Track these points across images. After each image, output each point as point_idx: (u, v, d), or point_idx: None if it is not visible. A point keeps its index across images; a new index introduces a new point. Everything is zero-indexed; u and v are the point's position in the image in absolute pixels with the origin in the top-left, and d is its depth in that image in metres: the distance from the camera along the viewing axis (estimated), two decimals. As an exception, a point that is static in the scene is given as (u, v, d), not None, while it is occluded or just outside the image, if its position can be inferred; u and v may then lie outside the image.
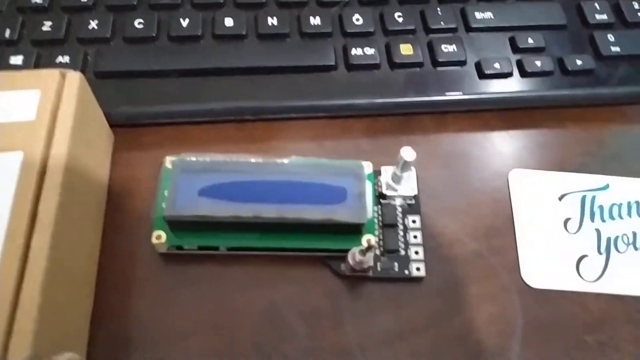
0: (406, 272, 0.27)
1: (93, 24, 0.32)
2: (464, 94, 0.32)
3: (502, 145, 0.32)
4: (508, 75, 0.32)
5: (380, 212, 0.28)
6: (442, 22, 0.33)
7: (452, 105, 0.32)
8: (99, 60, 0.31)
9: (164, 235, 0.26)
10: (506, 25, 0.34)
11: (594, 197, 0.30)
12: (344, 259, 0.26)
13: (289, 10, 0.33)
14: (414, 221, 0.28)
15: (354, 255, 0.25)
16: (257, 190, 0.26)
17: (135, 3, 0.33)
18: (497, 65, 0.32)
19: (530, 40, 0.33)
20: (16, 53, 0.31)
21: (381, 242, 0.27)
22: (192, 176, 0.26)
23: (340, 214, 0.25)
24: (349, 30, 0.33)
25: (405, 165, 0.27)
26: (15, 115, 0.24)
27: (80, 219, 0.25)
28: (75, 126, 0.24)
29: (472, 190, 0.30)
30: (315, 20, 0.33)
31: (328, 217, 0.25)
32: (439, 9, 0.34)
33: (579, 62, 0.32)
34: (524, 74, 0.32)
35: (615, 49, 0.33)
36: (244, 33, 0.32)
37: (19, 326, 0.20)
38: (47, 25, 0.32)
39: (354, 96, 0.31)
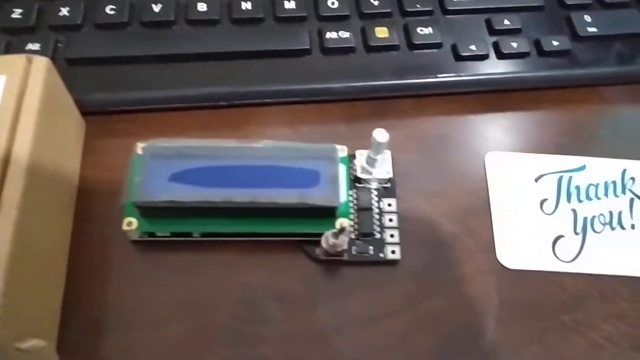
0: (381, 255, 0.27)
1: (64, 11, 0.32)
2: (440, 77, 0.31)
3: (479, 127, 0.31)
4: (484, 57, 0.32)
5: (355, 196, 0.28)
6: (418, 5, 0.33)
7: (429, 88, 0.32)
8: (70, 47, 0.31)
9: (135, 222, 0.25)
10: (482, 7, 0.33)
11: (570, 178, 0.30)
12: (319, 243, 0.26)
13: (263, -6, 0.33)
14: (389, 204, 0.28)
15: (327, 238, 0.25)
16: (230, 174, 0.25)
17: (106, -11, 0.32)
18: (473, 47, 0.32)
19: (506, 22, 0.33)
20: (-15, 40, 0.30)
21: (356, 226, 0.27)
22: (163, 162, 0.25)
23: (314, 197, 0.25)
24: (324, 14, 0.32)
25: (379, 147, 0.27)
26: (-20, 100, 0.23)
27: (48, 206, 0.25)
28: (42, 112, 0.24)
29: (448, 172, 0.30)
30: (289, 4, 0.32)
31: (301, 201, 0.25)
32: (415, -9, 0.33)
33: (555, 43, 0.32)
34: (500, 55, 0.32)
35: (592, 29, 0.33)
36: (217, 18, 0.32)
37: (-19, 313, 0.19)
38: (17, 13, 0.31)
39: (329, 80, 0.31)
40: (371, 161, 0.27)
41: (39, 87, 0.24)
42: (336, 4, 0.33)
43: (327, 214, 0.26)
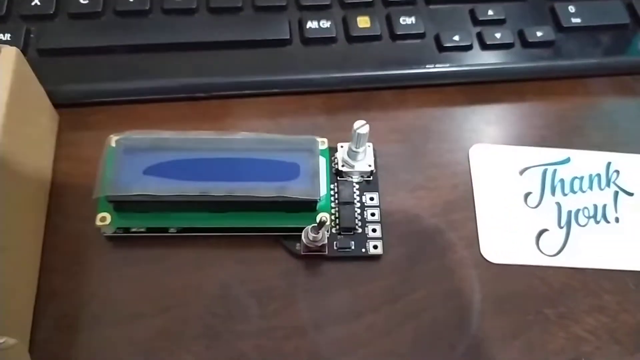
0: (363, 250, 0.26)
1: (36, 0, 0.31)
2: (423, 68, 0.31)
3: (463, 119, 0.31)
4: (468, 47, 0.31)
5: (336, 190, 0.27)
6: (401, -6, 0.32)
7: (411, 79, 0.31)
8: (42, 38, 0.30)
9: (108, 217, 0.25)
10: (467, -3, 0.33)
11: (555, 171, 0.29)
12: (299, 238, 0.25)
13: (242, -17, 0.32)
14: (371, 198, 0.27)
15: (307, 233, 0.25)
16: (206, 167, 0.25)
17: (79, -23, 0.31)
18: (456, 37, 0.31)
19: (490, 12, 0.32)
20: (-46, 30, 0.29)
21: (337, 220, 0.26)
22: (137, 155, 0.25)
23: (293, 190, 0.24)
24: (304, 3, 0.32)
25: (360, 140, 0.26)
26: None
27: (20, 201, 0.24)
28: (11, 103, 0.23)
29: (431, 165, 0.29)
30: (269, -7, 0.32)
31: (280, 194, 0.24)
32: (397, -20, 0.33)
33: (539, 34, 0.32)
34: (484, 46, 0.31)
35: (576, 20, 0.33)
36: (194, 7, 0.31)
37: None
38: (-14, 2, 0.30)
39: (310, 71, 0.30)
40: (353, 154, 0.27)
41: (7, 79, 0.23)
42: (317, -7, 0.32)
43: (307, 207, 0.25)
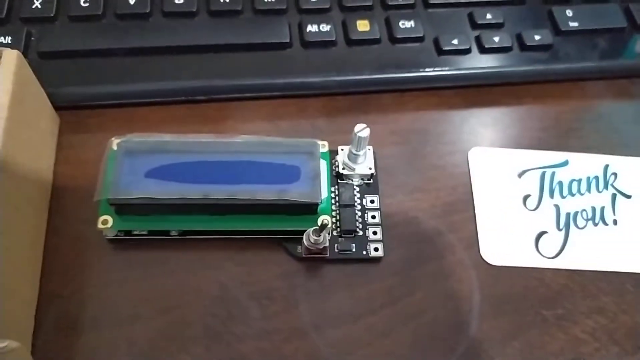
0: (364, 252, 0.26)
1: (37, 3, 0.31)
2: (422, 71, 0.31)
3: (461, 122, 0.31)
4: (467, 51, 0.32)
5: (337, 193, 0.27)
6: (399, -2, 0.33)
7: (411, 82, 0.31)
8: (43, 40, 0.30)
9: (110, 219, 0.25)
10: (464, 1, 0.33)
11: (553, 173, 0.29)
12: (300, 241, 0.25)
13: (242, -14, 0.32)
14: (372, 201, 0.27)
15: (308, 235, 0.25)
16: (207, 170, 0.25)
17: (80, -20, 0.31)
18: (455, 41, 0.31)
19: (488, 16, 0.32)
20: (-46, 33, 0.29)
21: (338, 223, 0.27)
22: (138, 157, 0.25)
23: (294, 193, 0.24)
24: (304, 7, 0.32)
25: (361, 143, 0.26)
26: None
27: (20, 203, 0.24)
28: (13, 106, 0.23)
29: (430, 168, 0.29)
30: (269, -4, 0.32)
31: (281, 197, 0.24)
32: (396, -16, 0.33)
33: (537, 38, 0.32)
34: (482, 50, 0.32)
35: (574, 24, 0.33)
36: (194, 10, 0.31)
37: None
38: (-13, 4, 0.30)
39: (309, 74, 0.31)
40: (353, 157, 0.27)
41: (9, 81, 0.23)
42: (316, -3, 0.32)
43: (308, 210, 0.25)
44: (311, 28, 0.31)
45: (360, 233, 0.26)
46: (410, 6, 0.33)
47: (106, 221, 0.25)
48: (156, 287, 0.26)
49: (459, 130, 0.31)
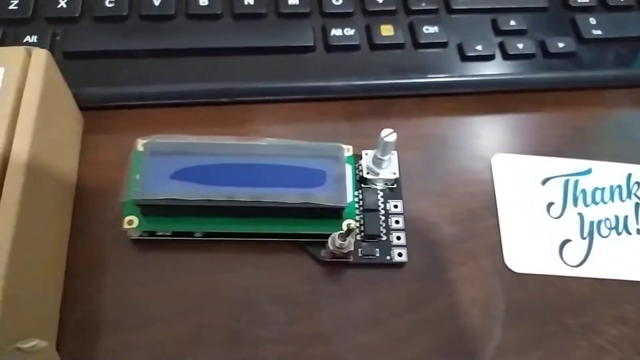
0: (388, 257, 0.26)
1: (62, 3, 0.31)
2: (445, 77, 0.31)
3: (484, 128, 0.31)
4: (490, 57, 0.32)
5: (361, 197, 0.27)
6: (423, 3, 0.33)
7: (433, 87, 0.31)
8: (67, 40, 0.30)
9: (135, 220, 0.25)
10: (488, 7, 0.33)
11: (576, 182, 0.29)
12: (324, 244, 0.25)
13: (266, -10, 0.32)
14: (395, 206, 0.27)
15: (334, 239, 0.25)
16: (232, 173, 0.25)
17: (105, -19, 0.31)
18: (479, 47, 0.31)
19: (512, 22, 0.32)
20: (-20, 32, 0.29)
21: (362, 228, 0.27)
22: (164, 159, 0.25)
23: (319, 197, 0.24)
24: (327, 11, 0.32)
25: (387, 148, 0.26)
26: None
27: (47, 203, 0.24)
28: (42, 106, 0.23)
29: (453, 174, 0.29)
30: (293, 0, 0.32)
31: (306, 201, 0.24)
32: (420, -11, 0.33)
33: (560, 45, 0.32)
34: (506, 56, 0.32)
35: (597, 32, 0.33)
36: (219, 12, 0.31)
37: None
38: (13, 4, 0.30)
39: (332, 78, 0.30)
40: (378, 161, 0.27)
41: (38, 81, 0.23)
42: (340, 1, 0.32)
43: (333, 214, 0.25)
44: (335, 32, 0.31)
45: (384, 238, 0.26)
46: (434, 11, 0.33)
47: (132, 221, 0.25)
48: (179, 288, 0.25)
49: (480, 136, 0.31)
